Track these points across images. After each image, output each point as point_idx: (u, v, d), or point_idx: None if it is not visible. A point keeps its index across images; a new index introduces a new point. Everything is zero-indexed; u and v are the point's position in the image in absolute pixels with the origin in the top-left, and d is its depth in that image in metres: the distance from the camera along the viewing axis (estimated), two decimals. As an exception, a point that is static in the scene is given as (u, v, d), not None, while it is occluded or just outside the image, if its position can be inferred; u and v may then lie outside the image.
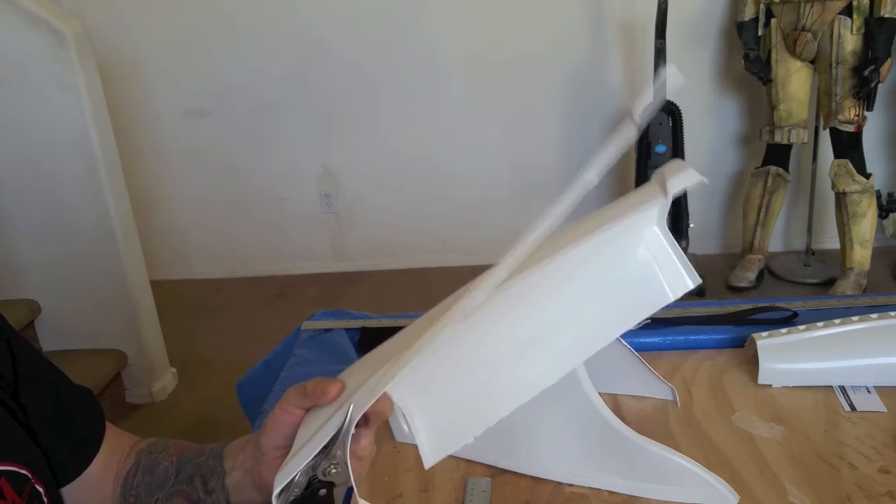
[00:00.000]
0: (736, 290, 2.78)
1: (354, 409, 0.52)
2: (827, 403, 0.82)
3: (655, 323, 0.98)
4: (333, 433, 0.52)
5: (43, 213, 2.14)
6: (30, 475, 0.57)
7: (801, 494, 0.68)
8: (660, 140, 2.62)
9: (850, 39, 2.44)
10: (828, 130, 2.61)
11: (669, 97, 2.61)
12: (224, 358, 2.55)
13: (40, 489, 0.58)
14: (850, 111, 2.50)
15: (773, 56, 2.61)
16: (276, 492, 0.51)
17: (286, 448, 0.56)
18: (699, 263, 2.92)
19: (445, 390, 0.56)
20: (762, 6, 2.59)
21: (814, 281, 2.85)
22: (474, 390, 0.56)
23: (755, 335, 0.88)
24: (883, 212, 2.71)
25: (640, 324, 0.97)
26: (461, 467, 0.76)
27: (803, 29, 2.50)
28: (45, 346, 2.26)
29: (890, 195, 2.74)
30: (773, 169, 2.73)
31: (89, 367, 2.20)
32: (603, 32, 2.91)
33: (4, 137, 2.05)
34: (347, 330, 1.06)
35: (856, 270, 2.63)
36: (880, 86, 2.48)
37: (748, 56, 2.63)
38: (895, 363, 0.84)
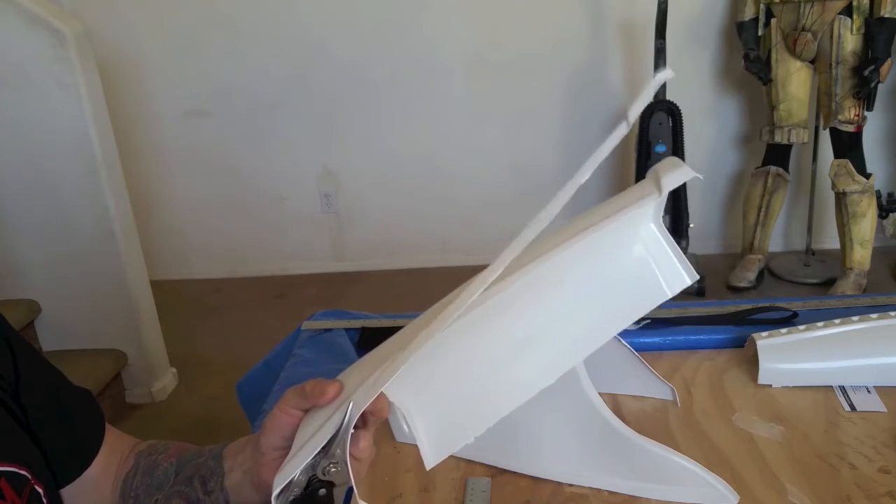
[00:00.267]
0: (736, 290, 2.78)
1: (354, 407, 0.52)
2: (827, 403, 0.82)
3: (655, 323, 0.98)
4: (333, 432, 0.52)
5: (43, 213, 2.14)
6: (29, 476, 0.57)
7: (801, 494, 0.68)
8: (660, 140, 2.62)
9: (850, 39, 2.44)
10: (828, 130, 2.61)
11: (669, 97, 2.61)
12: (224, 358, 2.55)
13: (40, 490, 0.58)
14: (850, 111, 2.50)
15: (773, 56, 2.61)
16: (275, 492, 0.51)
17: (285, 449, 0.56)
18: (699, 263, 2.93)
19: (444, 390, 0.56)
20: (762, 6, 2.59)
21: (814, 281, 2.85)
22: (473, 389, 0.56)
23: (755, 335, 0.88)
24: (883, 212, 2.71)
25: (640, 323, 0.97)
26: (461, 467, 0.76)
27: (803, 29, 2.50)
28: (45, 346, 2.26)
29: (890, 195, 2.74)
30: (773, 169, 2.73)
31: (89, 367, 2.20)
32: (603, 32, 2.91)
33: (4, 137, 2.05)
34: (347, 330, 1.06)
35: (856, 270, 2.63)
36: (880, 86, 2.48)
37: (748, 56, 2.63)
38: (895, 363, 0.84)
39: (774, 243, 2.99)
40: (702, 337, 0.97)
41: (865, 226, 2.61)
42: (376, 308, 1.19)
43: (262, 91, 3.05)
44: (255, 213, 3.24)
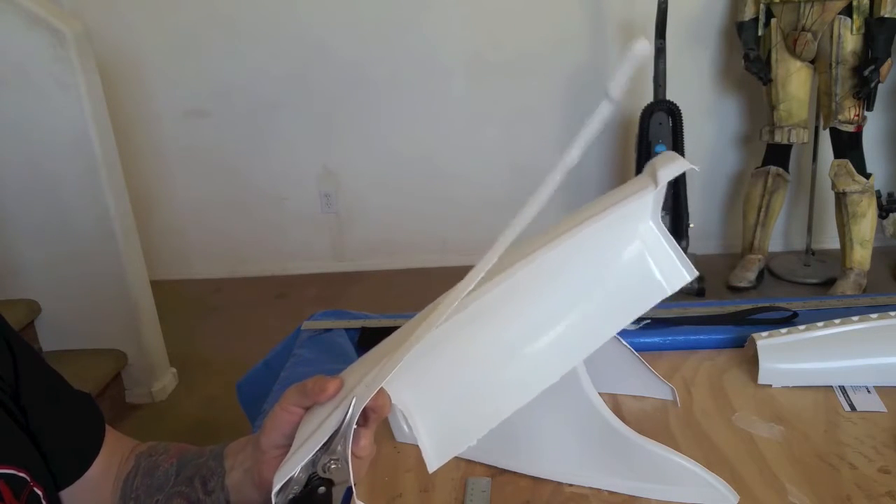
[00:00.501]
0: (736, 290, 2.78)
1: (357, 402, 0.51)
2: (827, 403, 0.82)
3: (655, 323, 0.98)
4: (334, 429, 0.51)
5: (43, 213, 2.13)
6: (28, 478, 0.57)
7: (801, 494, 0.68)
8: (660, 140, 2.62)
9: (850, 39, 2.44)
10: (828, 130, 2.61)
11: (669, 97, 2.61)
12: (224, 358, 2.55)
13: (39, 492, 0.57)
14: (850, 111, 2.50)
15: (773, 56, 2.61)
16: (275, 490, 0.51)
17: (286, 447, 0.56)
18: (699, 263, 2.91)
19: (443, 388, 0.56)
20: (762, 6, 2.59)
21: (814, 281, 2.85)
22: (472, 388, 0.56)
23: (755, 335, 0.88)
24: (883, 212, 2.71)
25: (639, 323, 0.97)
26: (461, 467, 0.76)
27: (803, 29, 2.50)
28: (45, 346, 2.26)
29: (890, 195, 2.74)
30: (773, 169, 2.73)
31: (89, 367, 2.20)
32: (603, 32, 2.91)
33: (4, 137, 2.05)
34: (347, 330, 1.06)
35: (856, 270, 2.63)
36: (880, 86, 2.48)
37: (748, 56, 2.62)
38: (895, 363, 0.84)
39: (774, 243, 2.99)
40: (702, 337, 0.97)
41: (865, 226, 2.61)
42: (376, 308, 1.19)
43: (262, 91, 3.05)
44: (255, 213, 3.24)
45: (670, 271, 0.53)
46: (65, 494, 0.63)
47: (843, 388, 0.84)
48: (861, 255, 2.63)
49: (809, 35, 2.49)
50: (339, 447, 0.51)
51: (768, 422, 0.80)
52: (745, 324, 0.98)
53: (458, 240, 3.20)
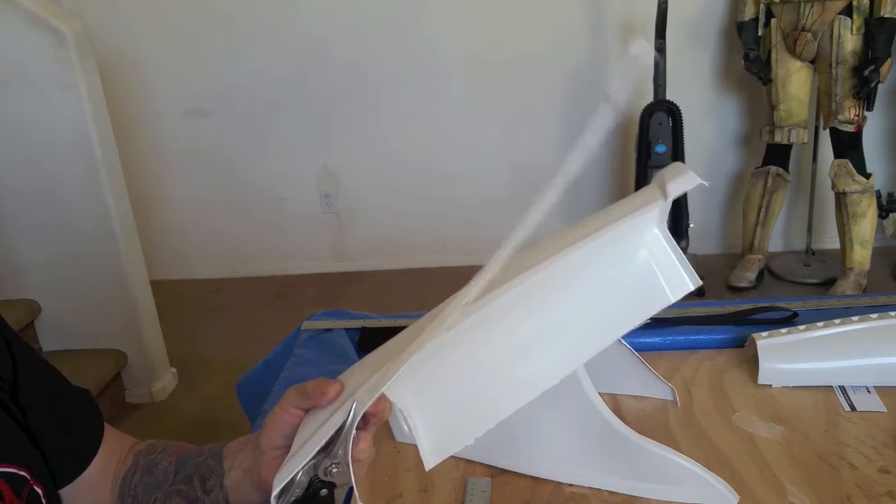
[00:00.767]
0: (736, 290, 2.78)
1: (357, 406, 0.52)
2: (827, 403, 0.82)
3: (655, 323, 0.98)
4: (334, 432, 0.52)
5: (43, 213, 2.14)
6: (28, 476, 0.57)
7: (801, 494, 0.68)
8: (660, 140, 2.62)
9: (850, 39, 2.44)
10: (828, 130, 2.61)
11: (669, 97, 2.61)
12: (224, 358, 2.55)
13: (39, 490, 0.58)
14: (850, 111, 2.50)
15: (773, 56, 2.61)
16: (275, 492, 0.51)
17: (285, 448, 0.56)
18: (699, 263, 2.93)
19: (445, 391, 0.56)
20: (762, 6, 2.59)
21: (814, 281, 2.85)
22: (475, 391, 0.56)
23: (755, 335, 0.88)
24: (883, 212, 2.71)
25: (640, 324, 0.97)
26: (461, 467, 0.76)
27: (803, 29, 2.50)
28: (45, 346, 2.26)
29: (890, 195, 2.74)
30: (773, 169, 2.73)
31: (89, 367, 2.20)
32: (603, 32, 2.91)
33: (4, 137, 2.05)
34: (347, 330, 1.06)
35: (856, 270, 2.63)
36: (880, 86, 2.48)
37: (748, 56, 2.62)
38: (895, 363, 0.84)
39: (774, 243, 2.99)
40: (702, 337, 0.97)
41: (865, 226, 2.61)
42: (376, 308, 1.19)
43: (262, 91, 3.05)
44: (255, 213, 3.24)
45: (674, 280, 0.54)
46: (64, 493, 0.63)
47: (843, 388, 0.84)
48: (861, 255, 2.63)
49: (809, 35, 2.49)
50: (339, 451, 0.51)
51: (768, 422, 0.80)
52: (745, 324, 0.98)
53: (458, 240, 3.20)
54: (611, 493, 0.70)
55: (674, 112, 2.60)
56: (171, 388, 2.42)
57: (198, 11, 2.96)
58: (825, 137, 2.69)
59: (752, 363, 0.88)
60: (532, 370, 0.56)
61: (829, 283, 2.75)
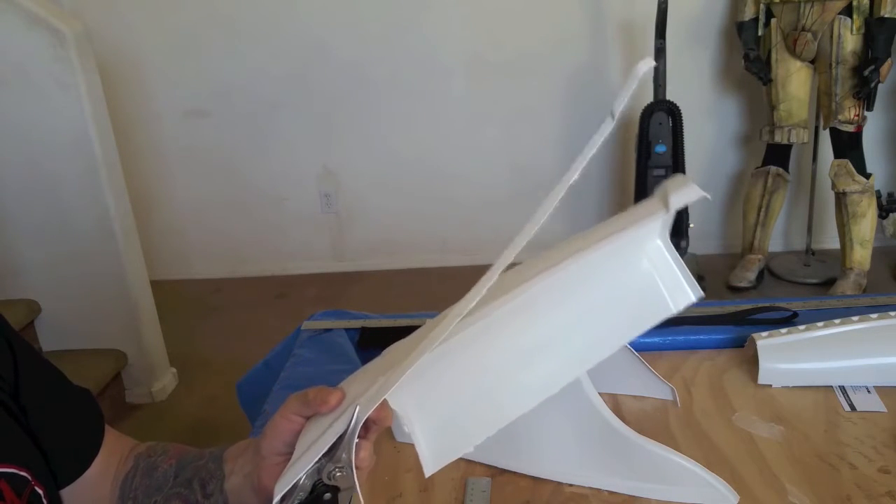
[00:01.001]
0: (736, 290, 2.78)
1: (361, 411, 0.52)
2: (827, 403, 0.82)
3: (655, 323, 0.98)
4: (336, 437, 0.52)
5: (43, 213, 2.13)
6: (29, 477, 0.57)
7: (801, 494, 0.68)
8: (660, 140, 2.62)
9: (850, 39, 2.44)
10: (828, 130, 2.61)
11: (669, 97, 2.61)
12: (224, 358, 2.55)
13: (40, 491, 0.58)
14: (850, 111, 2.50)
15: (773, 56, 2.61)
16: (276, 499, 0.51)
17: (286, 454, 0.56)
18: (699, 263, 2.93)
19: (447, 398, 0.57)
20: (762, 6, 2.59)
21: (814, 281, 2.85)
22: (476, 399, 0.57)
23: (755, 335, 0.88)
24: (883, 212, 2.71)
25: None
26: (461, 467, 0.76)
27: (803, 29, 2.50)
28: (45, 346, 2.26)
29: (890, 195, 2.74)
30: (773, 169, 2.73)
31: (89, 367, 2.20)
32: (603, 32, 2.91)
33: (4, 137, 2.05)
34: (347, 330, 1.06)
35: (856, 270, 2.63)
36: (880, 86, 2.48)
37: (748, 56, 2.62)
38: (895, 363, 0.84)
39: (774, 243, 2.99)
40: (702, 337, 0.97)
41: (865, 226, 2.61)
42: (376, 308, 1.19)
43: (262, 91, 3.05)
44: (255, 213, 3.24)
45: (676, 290, 0.54)
46: (64, 493, 0.64)
47: (843, 388, 0.84)
48: (861, 255, 2.63)
49: (809, 35, 2.49)
50: (343, 455, 0.52)
51: (768, 422, 0.80)
52: (745, 324, 0.98)
53: (458, 240, 3.20)
54: (611, 493, 0.71)
55: (674, 112, 2.60)
56: (171, 389, 2.42)
57: (198, 11, 2.96)
58: (825, 137, 2.69)
59: (752, 363, 0.88)
60: (534, 378, 0.56)
61: (829, 283, 2.75)
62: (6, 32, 1.96)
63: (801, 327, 0.87)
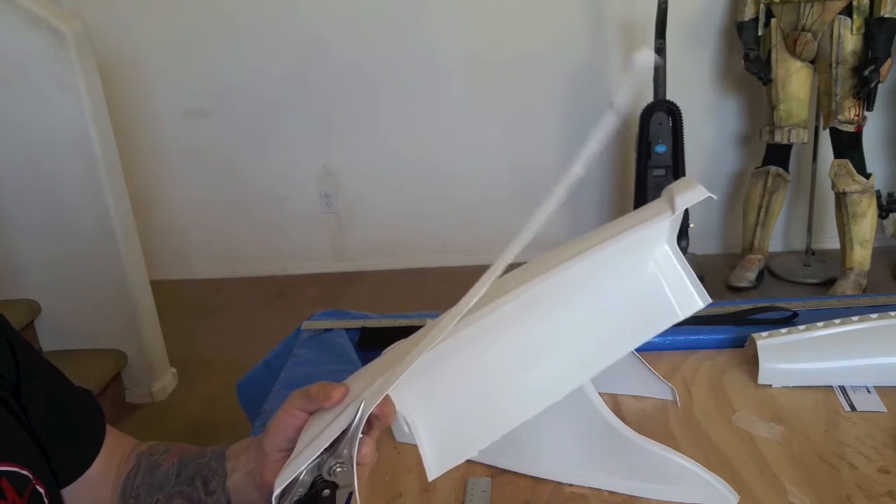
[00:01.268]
0: (736, 290, 2.78)
1: (365, 406, 0.52)
2: (827, 403, 0.82)
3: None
4: (339, 432, 0.52)
5: (43, 213, 2.13)
6: (31, 476, 0.57)
7: (801, 494, 0.68)
8: (660, 140, 2.62)
9: (850, 39, 2.44)
10: (828, 130, 2.61)
11: (670, 97, 2.61)
12: (224, 358, 2.55)
13: (41, 490, 0.58)
14: (850, 111, 2.50)
15: (773, 56, 2.61)
16: (275, 493, 0.51)
17: (289, 450, 0.56)
18: (699, 263, 2.93)
19: (450, 399, 0.57)
20: (762, 6, 2.59)
21: (814, 281, 2.85)
22: (478, 401, 0.56)
23: (755, 335, 0.88)
24: (883, 212, 2.71)
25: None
26: (461, 467, 0.76)
27: (803, 29, 2.50)
28: (45, 346, 2.26)
29: (890, 195, 2.74)
30: (773, 169, 2.73)
31: (89, 367, 2.19)
32: (603, 32, 2.91)
33: (4, 137, 2.05)
34: (347, 330, 1.06)
35: (856, 270, 2.63)
36: (880, 86, 2.48)
37: (748, 56, 2.63)
38: (895, 363, 0.84)
39: (774, 243, 2.99)
40: (702, 337, 0.97)
41: (865, 226, 2.61)
42: (376, 308, 1.19)
43: (262, 91, 3.05)
44: (255, 213, 3.24)
45: (683, 297, 0.54)
46: (66, 493, 0.64)
47: (843, 388, 0.84)
48: (861, 255, 2.63)
49: (809, 35, 2.49)
50: (345, 450, 0.52)
51: (768, 422, 0.80)
52: (745, 324, 0.98)
53: (458, 240, 3.20)
54: (611, 493, 0.71)
55: (674, 112, 2.60)
56: (171, 388, 2.42)
57: (198, 11, 2.96)
58: (825, 137, 2.69)
59: (752, 363, 0.88)
60: (535, 381, 0.56)
61: (829, 283, 2.75)
62: (6, 32, 1.96)
63: (801, 327, 0.87)
